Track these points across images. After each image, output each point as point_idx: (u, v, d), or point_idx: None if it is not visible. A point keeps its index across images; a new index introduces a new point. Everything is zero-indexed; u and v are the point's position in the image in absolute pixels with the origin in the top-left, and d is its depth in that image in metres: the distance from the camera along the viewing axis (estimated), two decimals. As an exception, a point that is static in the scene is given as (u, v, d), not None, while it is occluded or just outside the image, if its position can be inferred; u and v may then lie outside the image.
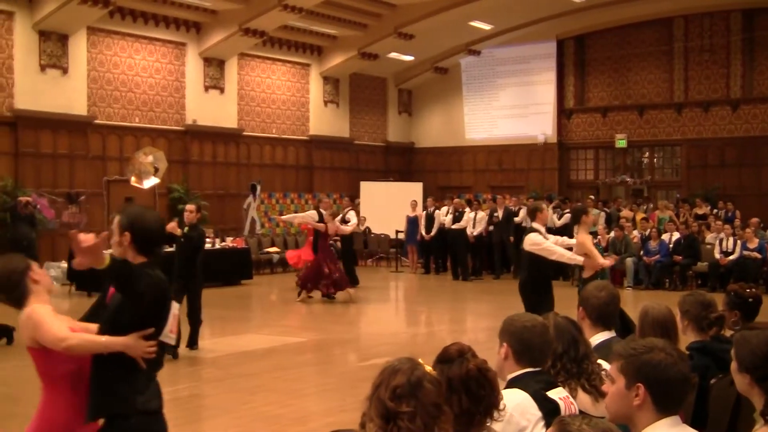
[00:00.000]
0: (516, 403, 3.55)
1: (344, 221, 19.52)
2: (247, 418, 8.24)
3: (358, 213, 19.10)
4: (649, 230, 20.57)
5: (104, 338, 4.19)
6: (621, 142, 27.32)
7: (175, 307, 4.55)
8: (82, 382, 4.23)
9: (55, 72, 20.31)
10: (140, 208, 4.71)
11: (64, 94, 20.41)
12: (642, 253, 20.13)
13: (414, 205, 24.13)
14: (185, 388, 9.34)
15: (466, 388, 3.17)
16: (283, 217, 20.82)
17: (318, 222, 17.63)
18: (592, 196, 24.91)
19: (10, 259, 4.66)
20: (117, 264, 4.12)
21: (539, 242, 10.04)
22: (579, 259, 9.71)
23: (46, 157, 20.25)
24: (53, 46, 20.20)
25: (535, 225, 10.29)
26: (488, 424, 3.23)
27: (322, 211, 18.11)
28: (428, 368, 2.96)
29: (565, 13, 26.43)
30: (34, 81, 19.90)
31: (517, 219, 22.72)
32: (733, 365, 3.46)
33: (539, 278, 10.27)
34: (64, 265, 19.05)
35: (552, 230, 22.61)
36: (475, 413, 3.18)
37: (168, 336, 4.40)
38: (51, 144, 20.33)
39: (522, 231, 22.85)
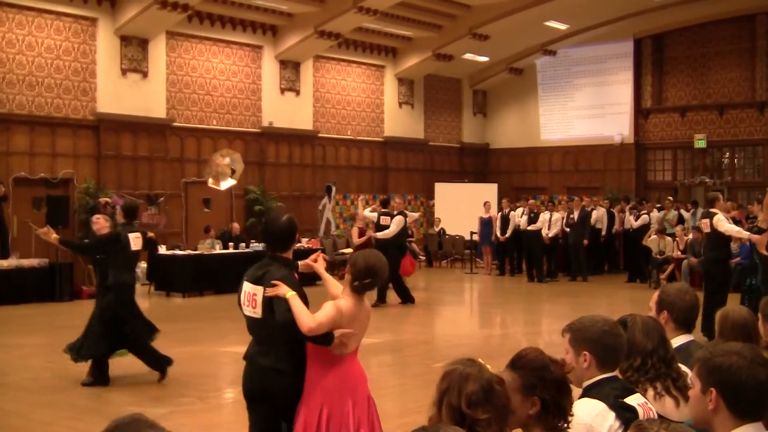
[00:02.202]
0: (595, 413, 3.50)
1: (380, 228, 17.60)
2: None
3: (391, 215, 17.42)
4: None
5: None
6: (700, 142, 26.79)
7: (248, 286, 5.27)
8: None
9: (136, 76, 20.71)
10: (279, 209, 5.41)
11: (144, 98, 20.80)
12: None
13: (488, 206, 24.01)
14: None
15: (568, 387, 3.16)
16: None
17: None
18: (671, 197, 24.49)
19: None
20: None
21: (725, 222, 12.47)
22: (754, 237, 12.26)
23: (127, 159, 20.66)
24: (134, 51, 20.60)
25: (714, 210, 12.63)
26: (565, 426, 3.21)
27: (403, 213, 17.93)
28: (489, 367, 2.94)
29: (643, 12, 26.03)
30: (115, 85, 20.32)
31: (592, 220, 22.52)
32: None
33: (723, 255, 12.90)
34: (144, 265, 19.43)
35: (629, 232, 22.44)
36: (565, 414, 3.17)
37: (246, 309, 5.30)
38: (131, 146, 20.73)
39: (598, 232, 22.86)
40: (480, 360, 2.93)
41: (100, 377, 9.67)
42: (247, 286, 5.28)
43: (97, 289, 10.22)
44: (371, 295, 8.68)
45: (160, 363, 9.91)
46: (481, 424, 2.74)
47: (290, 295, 5.00)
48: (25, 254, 17.89)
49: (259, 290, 5.18)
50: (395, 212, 17.48)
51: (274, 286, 5.05)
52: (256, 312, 5.20)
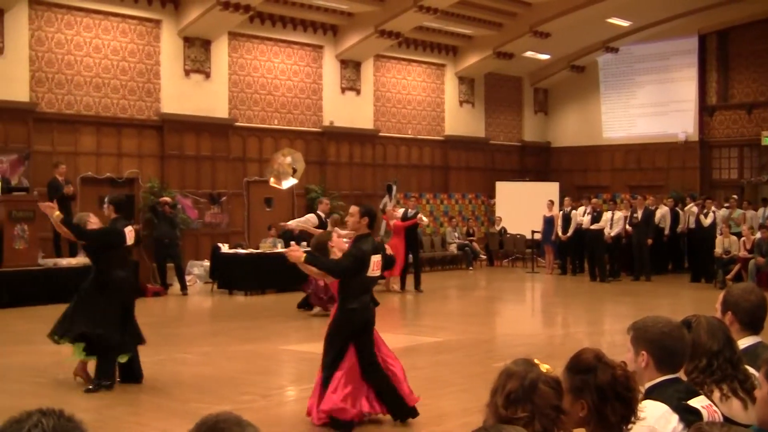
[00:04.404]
0: (658, 416, 3.45)
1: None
2: (382, 417, 8.31)
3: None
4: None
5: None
6: (767, 140, 26.28)
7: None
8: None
9: (199, 77, 20.96)
10: None
11: (207, 98, 21.04)
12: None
13: (550, 205, 23.85)
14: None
15: (616, 394, 3.11)
16: (288, 223, 18.08)
17: (318, 227, 16.11)
18: (735, 196, 24.07)
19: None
20: None
21: None
22: None
23: (190, 158, 20.91)
24: (197, 52, 20.85)
25: None
26: (629, 429, 3.18)
27: (320, 213, 17.13)
28: (545, 368, 2.91)
29: (708, 7, 25.62)
30: (179, 86, 20.59)
31: (656, 219, 22.22)
32: None
33: None
34: (207, 263, 19.66)
35: (700, 229, 21.91)
36: (629, 418, 3.12)
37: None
38: (194, 146, 20.99)
39: (661, 231, 22.54)
40: (536, 360, 2.91)
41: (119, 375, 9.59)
42: (374, 258, 7.88)
43: (91, 283, 9.62)
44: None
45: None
46: (519, 423, 2.72)
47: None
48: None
49: (378, 257, 7.94)
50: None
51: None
52: (376, 272, 8.04)
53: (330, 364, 7.73)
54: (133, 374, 9.59)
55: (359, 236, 8.08)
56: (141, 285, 18.29)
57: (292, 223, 16.99)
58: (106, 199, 10.30)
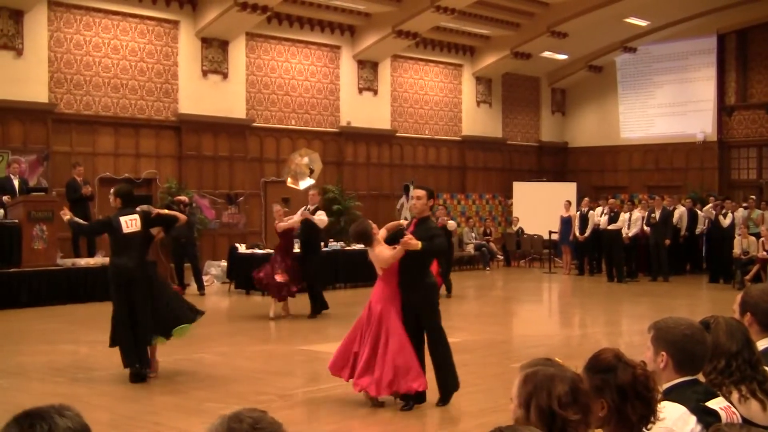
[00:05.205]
0: (676, 417, 3.43)
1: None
2: (400, 416, 8.31)
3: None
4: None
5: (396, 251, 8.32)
6: (787, 140, 26.13)
7: None
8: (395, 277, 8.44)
9: (216, 77, 21.03)
10: None
11: (225, 99, 21.11)
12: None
13: (567, 205, 23.80)
14: (339, 386, 9.49)
15: (637, 394, 3.10)
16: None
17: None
18: (754, 196, 23.93)
19: (363, 221, 9.15)
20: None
21: None
22: None
23: (208, 159, 20.98)
24: (214, 53, 20.92)
25: None
26: (648, 429, 3.16)
27: (310, 207, 15.65)
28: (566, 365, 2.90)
29: (727, 7, 25.50)
30: (196, 86, 20.67)
31: (674, 219, 22.12)
32: None
33: None
34: (224, 263, 19.70)
35: (718, 230, 21.76)
36: (648, 417, 3.11)
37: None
38: (212, 147, 21.06)
39: (679, 231, 22.41)
40: (557, 359, 2.90)
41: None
42: None
43: None
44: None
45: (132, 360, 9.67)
46: (572, 425, 2.71)
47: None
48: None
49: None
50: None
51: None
52: None
53: (439, 338, 8.48)
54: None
55: (424, 218, 8.45)
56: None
57: (284, 225, 15.29)
58: (112, 191, 10.44)
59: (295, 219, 15.01)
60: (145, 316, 9.66)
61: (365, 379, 8.31)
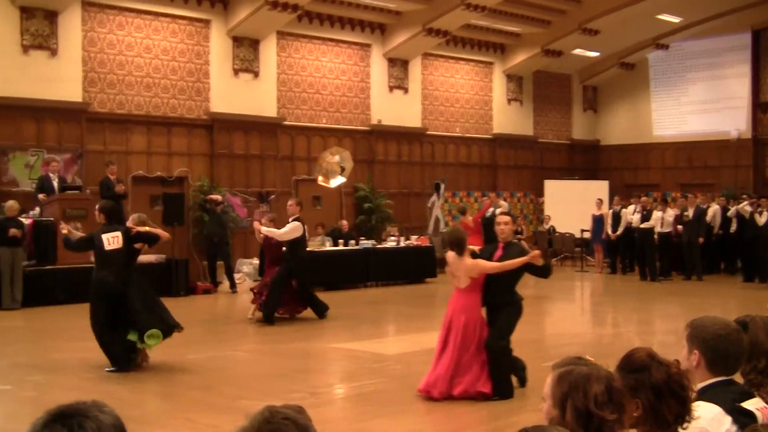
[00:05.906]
0: (710, 417, 3.41)
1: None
2: (430, 416, 8.32)
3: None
4: None
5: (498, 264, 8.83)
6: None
7: None
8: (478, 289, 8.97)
9: (248, 76, 21.11)
10: None
11: (256, 97, 21.19)
12: None
13: (599, 203, 23.67)
14: (370, 384, 9.52)
15: (672, 392, 3.08)
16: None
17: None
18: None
19: (459, 230, 10.03)
20: None
21: None
22: None
23: (239, 157, 21.07)
24: (245, 51, 21.00)
25: None
26: (684, 428, 3.14)
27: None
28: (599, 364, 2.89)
29: (762, 2, 25.22)
30: (228, 85, 20.76)
31: (708, 218, 21.92)
32: None
33: None
34: (256, 261, 19.77)
35: (753, 228, 21.48)
36: (684, 416, 3.10)
37: None
38: (243, 145, 21.15)
39: (711, 229, 22.20)
40: (588, 357, 2.88)
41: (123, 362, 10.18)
42: None
43: None
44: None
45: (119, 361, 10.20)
46: (608, 425, 2.70)
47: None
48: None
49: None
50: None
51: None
52: None
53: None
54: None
55: (510, 242, 9.10)
56: (191, 283, 18.50)
57: (266, 230, 14.65)
58: (96, 207, 10.96)
59: (264, 231, 14.47)
60: (125, 319, 10.15)
61: (460, 385, 8.70)
